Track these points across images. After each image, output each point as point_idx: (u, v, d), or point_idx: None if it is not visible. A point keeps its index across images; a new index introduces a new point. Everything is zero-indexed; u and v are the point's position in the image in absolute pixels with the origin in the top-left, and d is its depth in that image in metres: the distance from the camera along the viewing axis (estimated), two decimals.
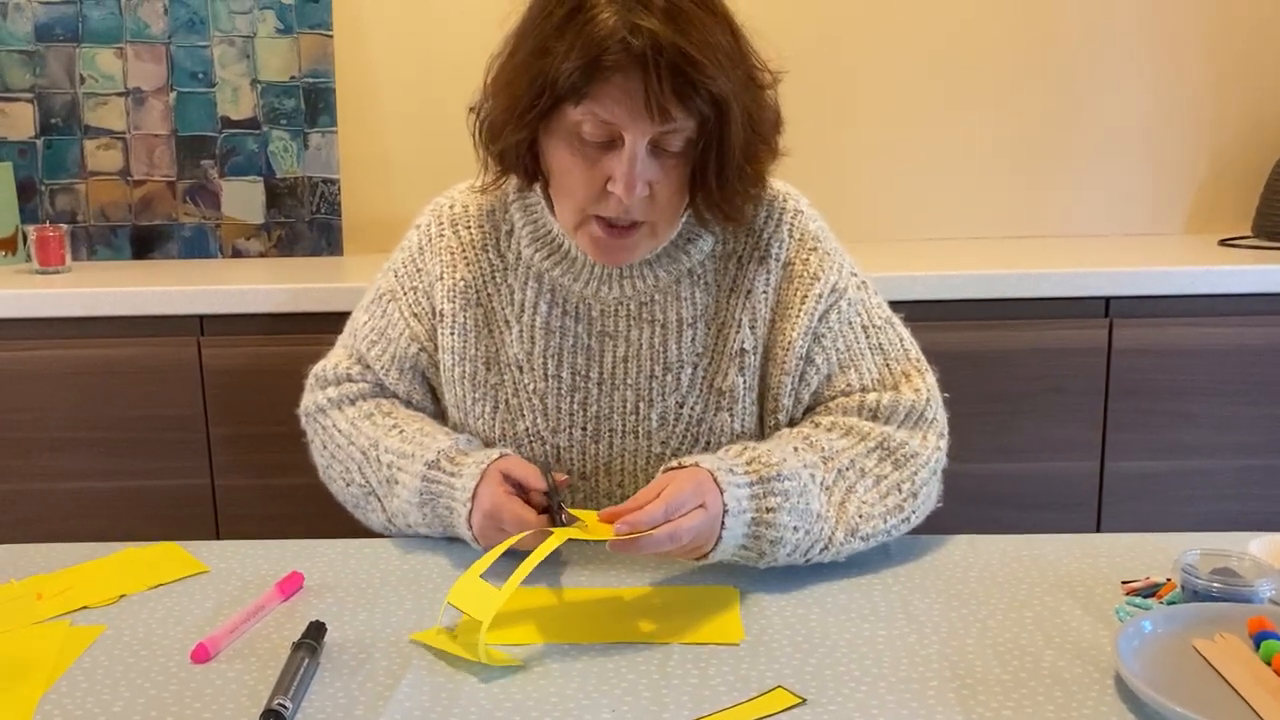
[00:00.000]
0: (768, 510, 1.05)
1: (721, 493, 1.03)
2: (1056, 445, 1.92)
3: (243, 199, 2.27)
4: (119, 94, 2.25)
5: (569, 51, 1.02)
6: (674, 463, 1.08)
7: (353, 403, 1.27)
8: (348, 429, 1.24)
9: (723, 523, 1.03)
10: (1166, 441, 1.92)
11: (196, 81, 2.25)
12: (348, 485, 1.24)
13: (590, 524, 1.03)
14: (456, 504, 1.11)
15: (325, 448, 1.27)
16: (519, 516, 1.06)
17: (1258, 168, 2.31)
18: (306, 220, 2.28)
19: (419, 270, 1.25)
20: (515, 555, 1.06)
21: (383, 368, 1.26)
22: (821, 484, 1.10)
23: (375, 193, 2.33)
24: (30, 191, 2.26)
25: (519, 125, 1.09)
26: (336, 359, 1.31)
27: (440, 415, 1.28)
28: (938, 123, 2.32)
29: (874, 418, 1.18)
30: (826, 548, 1.08)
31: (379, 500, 1.21)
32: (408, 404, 1.27)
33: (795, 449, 1.11)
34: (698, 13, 1.04)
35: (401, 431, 1.20)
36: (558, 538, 1.00)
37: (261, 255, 2.29)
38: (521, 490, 1.10)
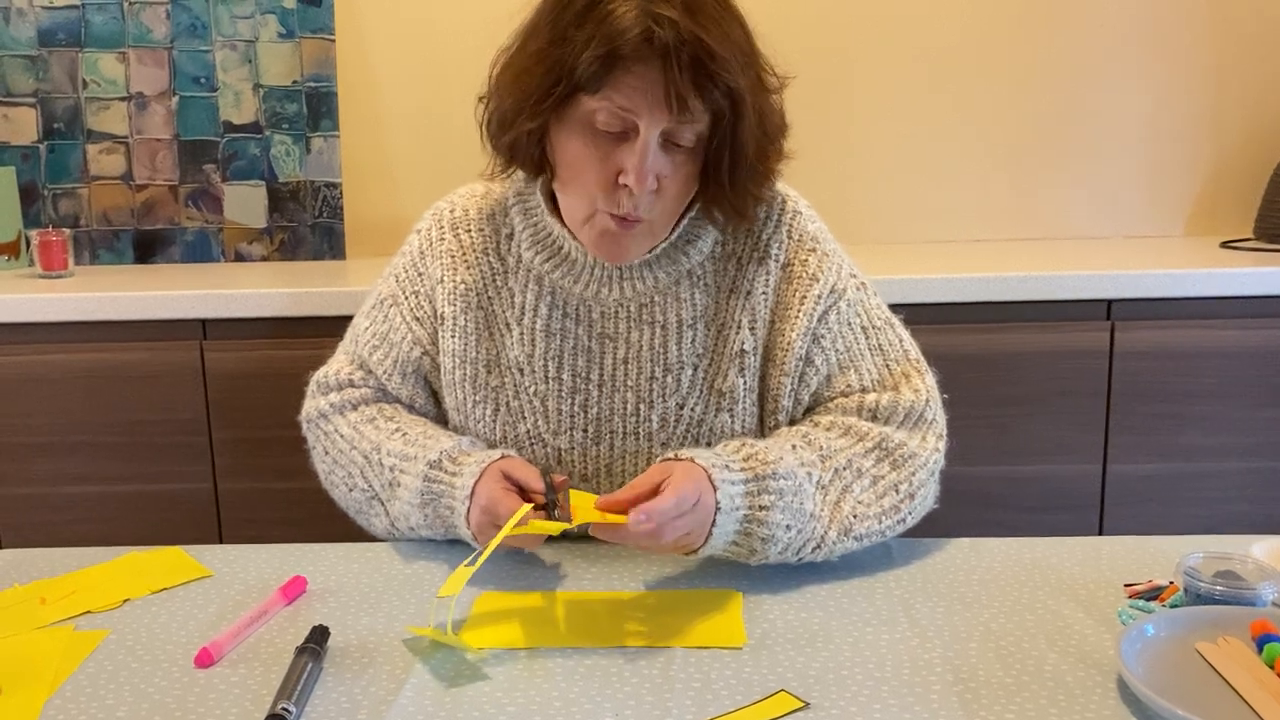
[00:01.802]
0: (760, 508, 1.05)
1: (715, 490, 1.03)
2: (1059, 448, 1.92)
3: (245, 203, 2.28)
4: (121, 98, 2.25)
5: (589, 41, 1.03)
6: (670, 454, 1.08)
7: (355, 408, 1.27)
8: (350, 434, 1.24)
9: (714, 520, 1.03)
10: (1169, 444, 1.92)
11: (198, 86, 2.25)
12: (350, 490, 1.24)
13: (584, 508, 1.02)
14: (456, 502, 1.11)
15: (327, 454, 1.27)
16: (514, 512, 1.06)
17: (1259, 170, 2.31)
18: (309, 224, 2.28)
19: (420, 274, 1.25)
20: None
21: (385, 372, 1.27)
22: (817, 483, 1.10)
23: (377, 196, 2.34)
24: (33, 196, 2.27)
25: (533, 114, 1.09)
26: (338, 365, 1.31)
27: (443, 419, 1.28)
28: (939, 125, 2.32)
29: (873, 418, 1.18)
30: (819, 547, 1.09)
31: (382, 504, 1.21)
32: (410, 408, 1.28)
33: (793, 446, 1.12)
34: (715, 8, 1.06)
35: (404, 434, 1.20)
36: (529, 519, 1.01)
37: (264, 259, 2.29)
38: (522, 492, 1.10)
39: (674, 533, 1.00)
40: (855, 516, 1.11)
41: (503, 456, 1.13)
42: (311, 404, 1.30)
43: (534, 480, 1.10)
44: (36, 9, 2.22)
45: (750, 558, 1.08)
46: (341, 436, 1.25)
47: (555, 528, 1.02)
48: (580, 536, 1.13)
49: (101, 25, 2.23)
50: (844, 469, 1.13)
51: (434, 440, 1.18)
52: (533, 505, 1.05)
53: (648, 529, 0.97)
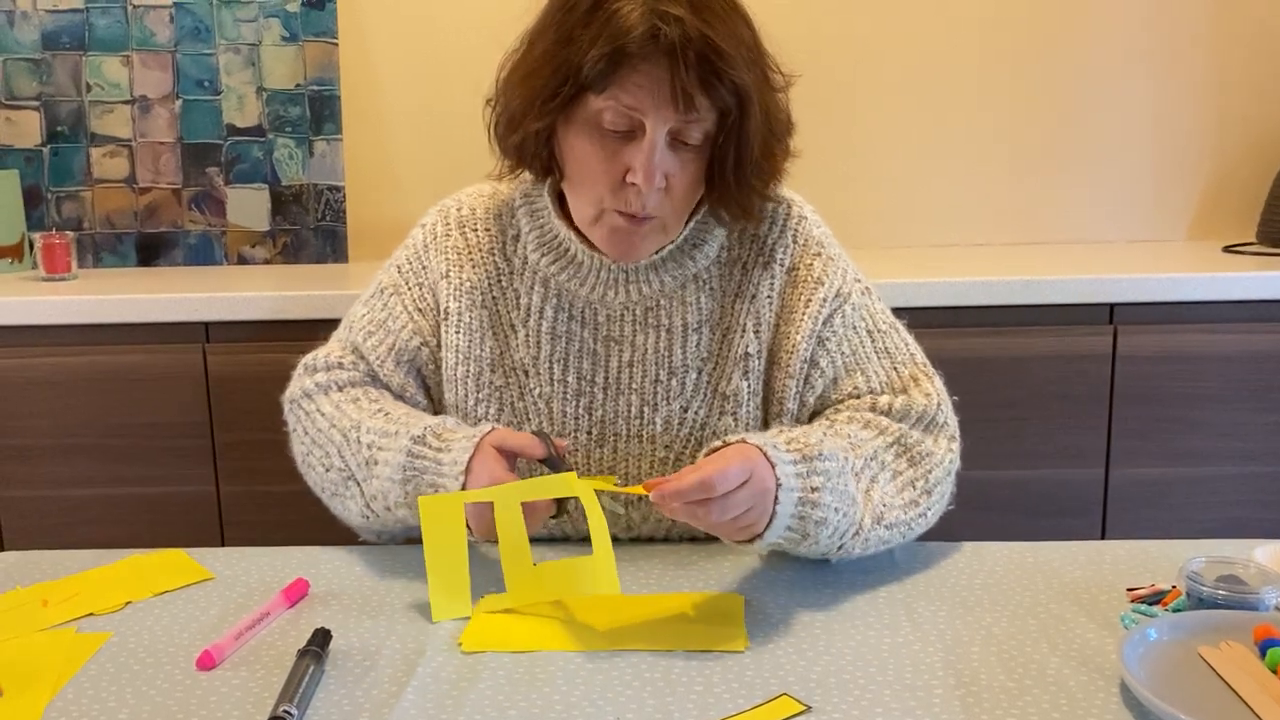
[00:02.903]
0: (813, 489, 1.02)
1: (773, 467, 1.00)
2: (1061, 452, 1.92)
3: (248, 206, 2.28)
4: (125, 102, 2.26)
5: (595, 40, 1.03)
6: (718, 443, 1.05)
7: (340, 389, 1.24)
8: (331, 412, 1.21)
9: (776, 498, 1.00)
10: (1172, 448, 1.92)
11: (202, 89, 2.25)
12: (327, 470, 1.20)
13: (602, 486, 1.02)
14: (445, 479, 1.07)
15: (307, 433, 1.24)
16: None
17: (1262, 174, 2.31)
18: (311, 227, 2.28)
19: (424, 267, 1.25)
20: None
21: (378, 358, 1.25)
22: (852, 468, 1.09)
23: (380, 200, 2.34)
24: (36, 199, 2.27)
25: (540, 114, 1.09)
26: (329, 349, 1.29)
27: (432, 414, 1.25)
28: (942, 129, 2.32)
29: (888, 417, 1.18)
30: (858, 533, 1.07)
31: (358, 485, 1.17)
32: (399, 398, 1.25)
33: (825, 434, 1.10)
34: (722, 6, 1.06)
35: (386, 414, 1.17)
36: (574, 484, 1.01)
37: (266, 262, 2.30)
38: (514, 461, 1.09)
39: (726, 511, 0.96)
40: (885, 505, 1.10)
41: (491, 429, 1.10)
42: (296, 384, 1.28)
43: (531, 447, 1.08)
44: (40, 12, 2.23)
45: (801, 544, 1.05)
46: (323, 415, 1.22)
47: (592, 482, 1.00)
48: (583, 540, 1.12)
49: (105, 28, 2.24)
50: (871, 459, 1.12)
51: (417, 418, 1.15)
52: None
53: (675, 507, 0.95)
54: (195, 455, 1.92)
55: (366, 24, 2.29)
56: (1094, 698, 0.87)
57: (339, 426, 1.20)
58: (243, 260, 2.30)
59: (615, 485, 1.04)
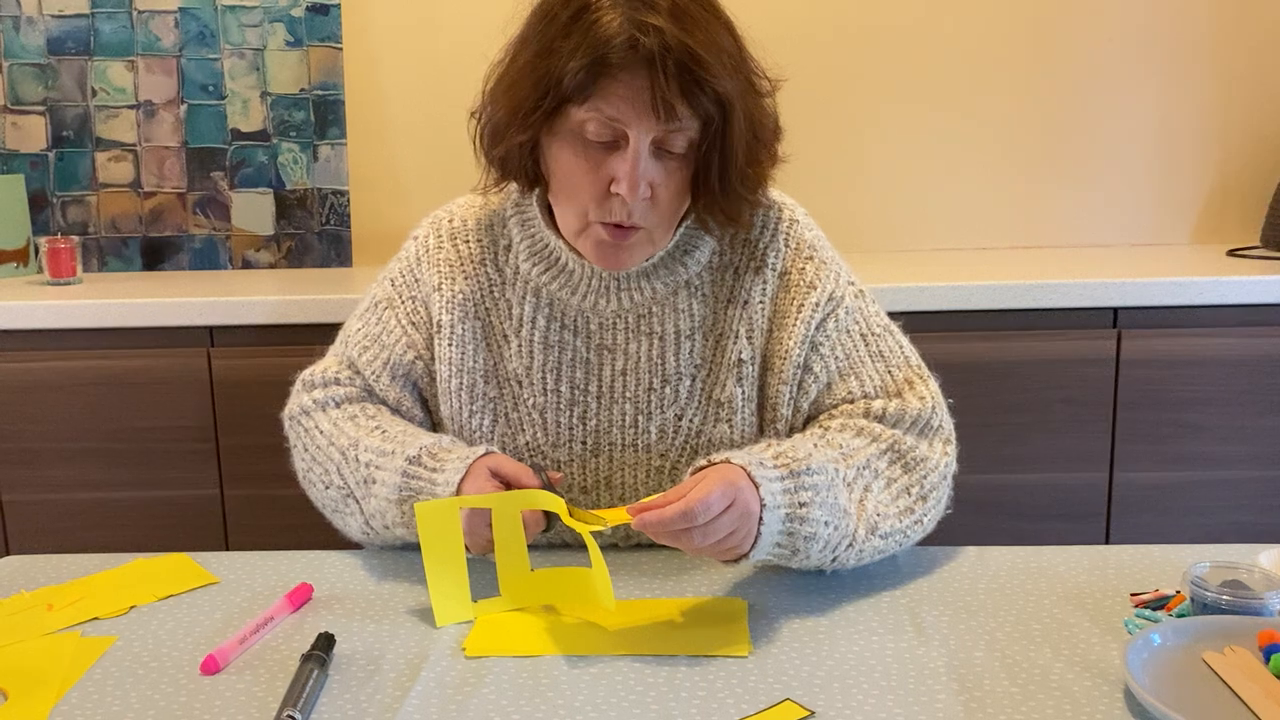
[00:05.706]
0: (800, 505, 1.02)
1: (757, 488, 1.00)
2: (1065, 456, 1.91)
3: (252, 210, 2.29)
4: (130, 106, 2.26)
5: (575, 50, 1.03)
6: (703, 461, 1.06)
7: (338, 405, 1.24)
8: (330, 430, 1.22)
9: (760, 518, 1.00)
10: (1175, 452, 1.91)
11: (207, 94, 2.26)
12: (327, 488, 1.21)
13: (610, 517, 1.02)
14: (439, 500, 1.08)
15: (306, 450, 1.24)
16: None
17: (1266, 177, 2.31)
18: (316, 232, 2.29)
19: (416, 280, 1.25)
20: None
21: (374, 373, 1.25)
22: (844, 479, 1.09)
23: (384, 204, 2.34)
24: (42, 203, 2.28)
25: (523, 127, 1.09)
26: (325, 364, 1.29)
27: (429, 426, 1.26)
28: (944, 133, 2.32)
29: (881, 423, 1.18)
30: (851, 545, 1.07)
31: (357, 502, 1.18)
32: (395, 411, 1.25)
33: (816, 445, 1.11)
34: (702, 14, 1.06)
35: (383, 432, 1.18)
36: (559, 506, 1.02)
37: (271, 266, 2.30)
38: (510, 489, 1.09)
39: (709, 536, 0.97)
40: (879, 515, 1.10)
41: (487, 452, 1.12)
42: (295, 401, 1.28)
43: (525, 477, 1.09)
44: (46, 18, 2.23)
45: (792, 559, 1.05)
46: (321, 432, 1.23)
47: (585, 517, 1.01)
48: (578, 546, 1.12)
49: (110, 34, 2.24)
50: (864, 468, 1.12)
51: (413, 437, 1.16)
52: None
53: (659, 533, 0.97)
54: (199, 459, 1.93)
55: (371, 28, 2.30)
56: (1098, 703, 0.87)
57: (337, 445, 1.20)
58: (247, 264, 2.30)
59: (599, 516, 1.03)
